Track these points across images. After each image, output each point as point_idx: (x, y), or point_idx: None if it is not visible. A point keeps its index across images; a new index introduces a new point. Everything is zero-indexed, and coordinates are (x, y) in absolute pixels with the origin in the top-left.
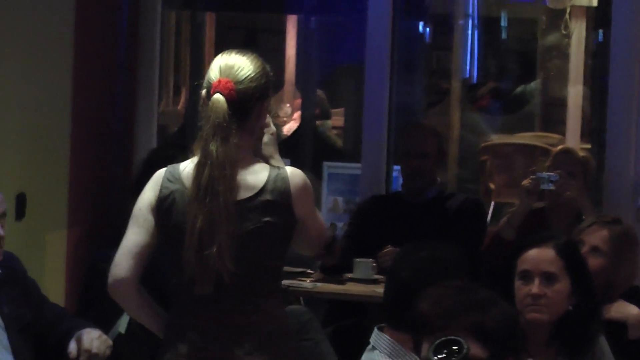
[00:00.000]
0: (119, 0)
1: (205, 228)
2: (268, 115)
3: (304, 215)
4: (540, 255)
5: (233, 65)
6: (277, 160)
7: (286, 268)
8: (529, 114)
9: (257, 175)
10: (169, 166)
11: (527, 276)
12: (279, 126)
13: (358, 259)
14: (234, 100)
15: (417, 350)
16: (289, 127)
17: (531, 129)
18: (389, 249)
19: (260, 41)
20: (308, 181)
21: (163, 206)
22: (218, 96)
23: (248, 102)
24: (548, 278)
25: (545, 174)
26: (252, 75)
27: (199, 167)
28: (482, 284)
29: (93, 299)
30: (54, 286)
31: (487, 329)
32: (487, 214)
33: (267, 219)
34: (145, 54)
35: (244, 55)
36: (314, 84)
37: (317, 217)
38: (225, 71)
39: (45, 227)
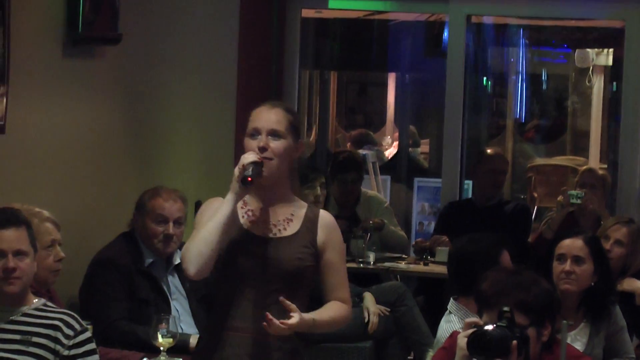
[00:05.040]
0: (269, 65)
1: None
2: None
3: None
4: (572, 244)
5: None
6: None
7: (387, 254)
8: (562, 142)
9: None
10: None
11: (562, 258)
12: (382, 152)
13: (439, 247)
14: None
15: (480, 314)
16: (390, 153)
17: (564, 154)
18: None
19: (369, 92)
20: None
21: None
22: None
23: None
24: (577, 260)
25: (574, 192)
26: None
27: None
28: (529, 266)
29: None
30: None
31: (528, 304)
32: (532, 215)
33: None
34: (288, 102)
35: None
36: (408, 121)
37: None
38: None
39: None
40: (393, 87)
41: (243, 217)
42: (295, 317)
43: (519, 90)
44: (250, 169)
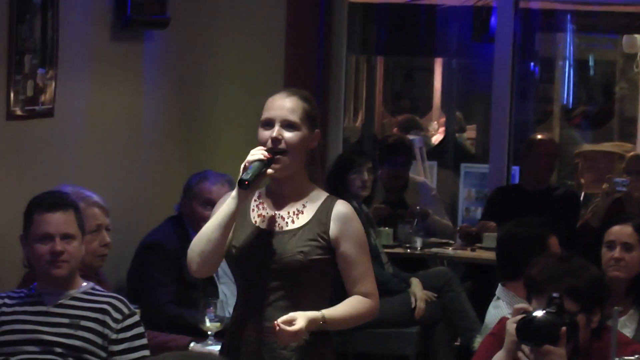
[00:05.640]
0: (316, 51)
1: None
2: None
3: None
4: (622, 230)
5: None
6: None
7: (433, 239)
8: (609, 128)
9: None
10: None
11: (611, 245)
12: (429, 138)
13: (486, 233)
14: None
15: (529, 300)
16: (436, 139)
17: (611, 140)
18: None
19: (416, 77)
20: None
21: None
22: None
23: None
24: (627, 247)
25: (619, 180)
26: None
27: None
28: (576, 252)
29: None
30: None
31: (578, 290)
32: (580, 201)
33: None
34: (335, 87)
35: None
36: (454, 107)
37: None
38: None
39: None
40: (440, 72)
41: (254, 210)
42: (298, 323)
43: (566, 76)
44: (250, 173)
